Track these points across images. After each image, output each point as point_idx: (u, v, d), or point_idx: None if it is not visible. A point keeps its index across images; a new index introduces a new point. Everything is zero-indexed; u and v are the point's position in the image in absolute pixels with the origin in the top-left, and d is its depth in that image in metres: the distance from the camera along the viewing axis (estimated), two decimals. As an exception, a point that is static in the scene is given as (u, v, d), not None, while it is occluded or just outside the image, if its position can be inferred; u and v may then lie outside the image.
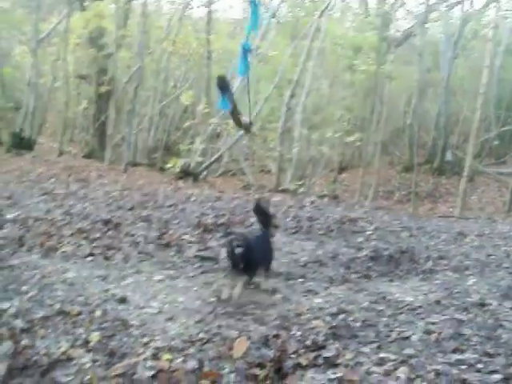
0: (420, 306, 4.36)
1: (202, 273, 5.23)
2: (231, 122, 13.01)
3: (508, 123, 20.01)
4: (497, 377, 3.12)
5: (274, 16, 17.76)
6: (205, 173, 13.74)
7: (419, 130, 15.05)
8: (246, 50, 5.03)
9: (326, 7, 12.67)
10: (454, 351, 3.49)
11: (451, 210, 13.68)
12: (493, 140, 20.13)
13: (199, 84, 18.17)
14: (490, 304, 4.44)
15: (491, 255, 6.07)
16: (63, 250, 5.62)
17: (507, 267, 5.61)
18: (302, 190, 11.60)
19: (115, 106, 15.95)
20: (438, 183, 17.30)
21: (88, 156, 17.95)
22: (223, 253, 5.98)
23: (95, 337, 3.47)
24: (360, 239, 6.87)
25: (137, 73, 15.22)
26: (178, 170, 12.38)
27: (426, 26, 20.21)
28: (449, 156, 19.29)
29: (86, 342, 3.41)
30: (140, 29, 15.29)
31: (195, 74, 18.63)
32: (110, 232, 6.36)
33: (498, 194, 16.36)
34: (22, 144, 17.43)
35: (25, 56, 19.82)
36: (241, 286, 4.55)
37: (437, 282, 5.14)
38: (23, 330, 3.48)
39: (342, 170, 16.97)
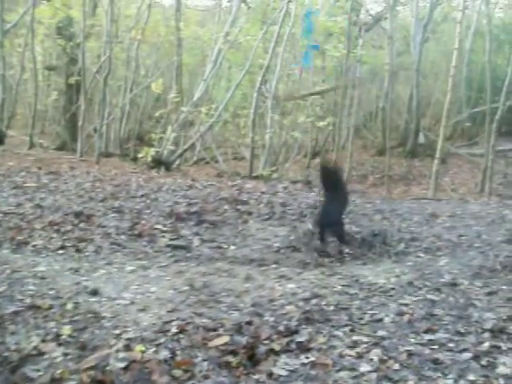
0: (392, 288, 4.40)
1: (175, 262, 5.21)
2: (203, 109, 13.02)
3: (479, 104, 20.15)
4: (468, 355, 3.17)
5: (244, 1, 17.66)
6: (177, 162, 13.65)
7: (391, 113, 15.08)
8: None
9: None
10: (426, 331, 3.54)
11: (424, 191, 13.77)
12: (464, 121, 20.31)
13: (170, 72, 18.01)
14: (462, 284, 4.50)
15: (463, 235, 6.13)
16: (34, 243, 5.57)
17: (478, 247, 5.68)
18: (275, 176, 11.59)
19: (86, 97, 15.75)
20: (411, 166, 17.39)
21: (59, 148, 17.73)
22: (196, 241, 5.99)
23: (66, 330, 3.44)
24: (333, 223, 6.88)
25: (106, 62, 15.03)
26: (150, 159, 12.27)
27: (396, 9, 20.28)
28: (421, 139, 19.42)
29: (58, 335, 3.37)
30: (108, 17, 15.08)
31: (166, 63, 18.45)
32: (81, 224, 6.30)
33: (471, 175, 16.49)
34: (-9, 138, 17.16)
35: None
36: None
37: (409, 263, 5.19)
38: (-7, 326, 3.44)
39: (315, 155, 16.94)
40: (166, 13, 19.28)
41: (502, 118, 13.17)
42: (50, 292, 4.08)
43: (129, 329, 3.52)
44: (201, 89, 14.06)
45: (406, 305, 4.04)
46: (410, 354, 3.19)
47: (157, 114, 14.06)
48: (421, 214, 7.37)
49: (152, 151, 12.25)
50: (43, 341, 3.30)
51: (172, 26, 16.85)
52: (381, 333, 3.51)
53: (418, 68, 18.59)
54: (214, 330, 3.52)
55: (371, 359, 3.15)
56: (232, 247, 5.88)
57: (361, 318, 3.78)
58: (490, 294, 4.27)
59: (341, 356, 3.20)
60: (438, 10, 20.75)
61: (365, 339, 3.41)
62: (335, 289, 4.38)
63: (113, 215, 6.77)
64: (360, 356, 3.20)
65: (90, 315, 3.70)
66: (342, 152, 14.86)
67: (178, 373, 2.98)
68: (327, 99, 18.05)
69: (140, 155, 12.55)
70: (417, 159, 18.35)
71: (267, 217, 7.15)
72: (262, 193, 8.58)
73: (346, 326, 3.65)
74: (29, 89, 19.85)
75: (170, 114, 13.68)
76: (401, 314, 3.85)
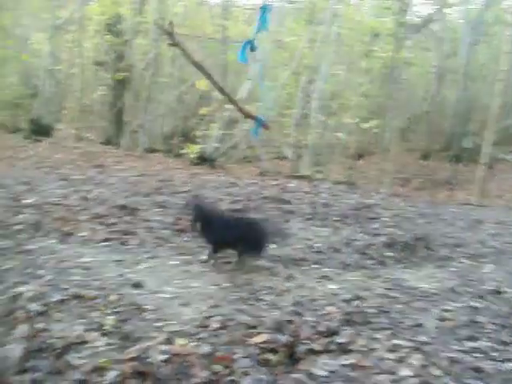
0: (435, 293, 4.35)
1: (217, 258, 5.23)
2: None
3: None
4: (511, 365, 3.12)
5: (291, 1, 17.66)
6: (221, 159, 13.73)
7: (437, 116, 14.88)
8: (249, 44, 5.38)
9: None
10: (469, 339, 3.49)
11: (469, 197, 13.55)
12: (512, 127, 19.91)
13: (216, 70, 18.12)
14: (506, 292, 4.42)
15: (508, 243, 6.02)
16: (80, 234, 5.65)
17: (524, 255, 5.58)
18: (318, 176, 11.56)
19: (132, 93, 15.97)
20: (455, 170, 17.14)
21: (105, 142, 18.01)
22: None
23: (110, 321, 3.49)
24: (375, 226, 6.83)
25: (153, 59, 15.21)
26: (194, 156, 12.38)
27: (446, 11, 20.00)
28: (467, 143, 19.11)
29: (101, 325, 3.43)
30: (156, 15, 15.26)
31: (212, 60, 18.56)
32: (126, 217, 6.37)
33: (517, 181, 16.19)
34: (40, 130, 17.53)
35: (42, 43, 19.88)
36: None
37: (452, 269, 5.12)
38: (39, 314, 3.51)
39: (358, 156, 16.85)
40: (213, 11, 19.39)
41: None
42: (95, 283, 4.14)
43: (170, 322, 3.56)
44: (246, 87, 14.08)
45: (448, 311, 3.99)
46: (452, 361, 3.15)
47: (202, 112, 14.15)
48: (465, 219, 7.27)
49: (196, 148, 12.35)
50: (87, 330, 3.35)
51: (219, 24, 16.94)
52: (422, 338, 3.47)
53: (465, 71, 18.28)
54: (254, 327, 3.53)
55: (411, 364, 3.12)
56: (274, 246, 5.88)
57: (402, 322, 3.74)
58: (534, 304, 4.20)
59: (381, 359, 3.18)
60: (488, 12, 20.37)
61: (405, 343, 3.37)
62: (376, 291, 4.36)
63: (157, 210, 6.84)
64: (400, 360, 3.17)
65: (132, 307, 3.75)
66: (385, 154, 14.71)
67: (217, 368, 3.00)
68: (372, 101, 17.92)
69: (184, 152, 12.66)
70: (462, 164, 18.06)
71: (309, 217, 7.13)
72: (305, 193, 8.57)
73: (387, 329, 3.62)
74: (76, 84, 20.17)
75: (215, 111, 13.75)
76: (443, 319, 3.81)
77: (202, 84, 12.57)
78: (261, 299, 4.09)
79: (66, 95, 21.60)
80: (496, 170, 16.88)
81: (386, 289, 4.45)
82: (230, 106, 13.39)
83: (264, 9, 5.22)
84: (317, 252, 5.75)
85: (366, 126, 13.77)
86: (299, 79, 14.88)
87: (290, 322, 3.64)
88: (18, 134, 17.67)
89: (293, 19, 17.22)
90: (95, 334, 3.30)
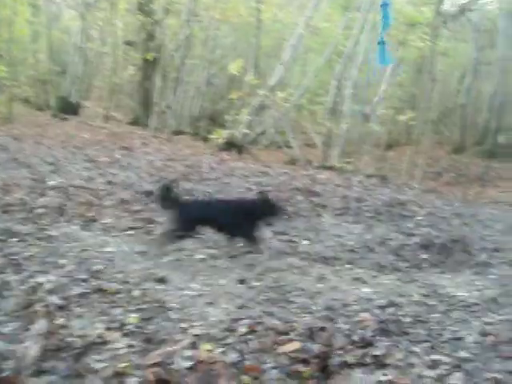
0: (475, 303, 4.10)
1: (245, 253, 5.02)
2: (280, 94, 12.80)
3: None
4: (559, 390, 2.88)
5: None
6: (249, 145, 13.53)
7: (472, 110, 14.48)
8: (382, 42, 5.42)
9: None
10: (513, 358, 3.25)
11: (502, 194, 13.21)
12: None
13: (248, 54, 17.87)
14: (551, 305, 4.16)
15: (552, 250, 5.73)
16: (103, 221, 5.50)
17: None
18: (348, 167, 11.30)
19: (161, 74, 15.78)
20: (488, 166, 16.72)
21: (133, 123, 17.92)
22: (267, 233, 5.80)
23: (133, 319, 3.31)
24: (410, 224, 6.58)
25: (184, 40, 15.01)
26: (222, 141, 12.19)
27: (484, 1, 19.47)
28: (502, 138, 18.66)
29: (123, 324, 3.25)
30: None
31: (244, 44, 18.32)
32: (151, 204, 6.20)
33: (555, 181, 15.75)
34: (68, 108, 17.48)
35: (74, 20, 19.79)
36: None
37: (492, 276, 4.85)
38: (59, 308, 3.33)
39: (388, 147, 16.54)
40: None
41: None
42: (118, 275, 3.97)
43: (196, 323, 3.36)
44: (278, 73, 13.82)
45: (490, 324, 3.75)
46: (496, 382, 2.91)
47: (233, 96, 13.91)
48: (503, 221, 6.97)
49: (225, 133, 12.15)
50: (108, 328, 3.17)
51: (252, 7, 16.65)
52: (463, 354, 3.23)
53: (502, 64, 17.79)
54: (285, 333, 3.32)
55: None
56: (304, 242, 5.66)
57: (440, 335, 3.51)
58: None
59: (420, 376, 2.95)
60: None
61: (445, 359, 3.14)
62: (412, 298, 4.12)
63: (184, 198, 6.65)
64: (440, 379, 2.94)
65: (156, 304, 3.57)
66: (416, 146, 14.37)
67: (245, 379, 2.80)
68: (406, 91, 17.57)
69: (213, 136, 12.47)
70: (495, 160, 17.63)
71: (341, 212, 6.90)
72: (337, 185, 8.33)
73: (425, 341, 3.39)
74: (106, 62, 20.08)
75: (246, 96, 13.52)
76: (484, 334, 3.56)
77: (237, 67, 12.34)
78: (291, 301, 3.88)
79: (96, 74, 21.54)
80: (531, 168, 16.49)
81: (422, 295, 4.21)
82: (260, 91, 13.18)
83: (385, 5, 5.16)
84: (349, 251, 5.53)
85: (402, 118, 13.43)
86: (333, 66, 14.58)
87: (322, 328, 3.43)
88: (46, 112, 17.63)
89: (328, 4, 16.85)
90: (117, 334, 3.12)
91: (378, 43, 5.09)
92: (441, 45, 16.45)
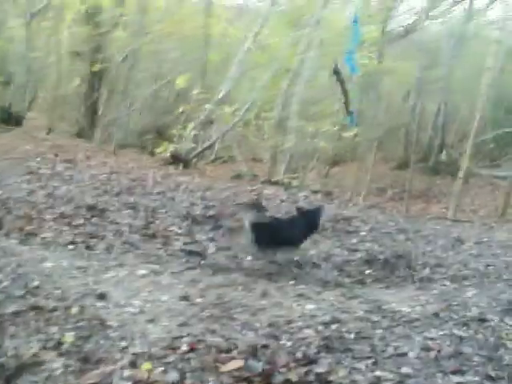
0: (417, 319, 4.12)
1: (188, 269, 4.94)
2: (227, 108, 12.79)
3: (505, 126, 19.80)
4: (500, 405, 2.91)
5: (274, 3, 17.42)
6: (195, 160, 13.44)
7: (417, 127, 14.77)
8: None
9: (329, -3, 12.32)
10: (455, 372, 3.26)
11: (444, 210, 13.49)
12: (489, 142, 19.92)
13: (195, 68, 17.82)
14: (491, 320, 4.21)
15: (490, 265, 5.83)
16: (43, 236, 5.35)
17: (507, 279, 5.37)
18: (294, 183, 11.33)
19: (108, 86, 15.59)
20: (431, 183, 17.09)
21: (78, 135, 17.58)
22: (211, 248, 5.74)
23: (69, 338, 3.19)
24: (354, 240, 6.60)
25: (132, 53, 14.86)
26: (168, 155, 12.06)
27: (428, 22, 19.95)
28: (444, 156, 19.10)
29: (59, 343, 3.13)
30: (138, 8, 14.89)
31: (192, 58, 18.24)
32: (93, 219, 6.06)
33: (491, 197, 16.21)
34: (10, 119, 17.05)
35: (19, 29, 19.36)
36: None
37: (434, 291, 4.89)
38: (-9, 327, 3.20)
39: (335, 163, 16.71)
40: (196, 7, 19.05)
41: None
42: (55, 292, 3.84)
43: (136, 341, 3.27)
44: (226, 87, 13.82)
45: (432, 339, 3.77)
46: (438, 398, 2.93)
47: (180, 110, 13.80)
48: (445, 237, 7.07)
49: (171, 147, 12.04)
50: (44, 348, 3.05)
51: (201, 21, 16.63)
52: (405, 370, 3.23)
53: (447, 84, 18.23)
54: (227, 351, 3.26)
55: (396, 400, 2.89)
56: (249, 257, 5.62)
57: (384, 351, 3.51)
58: (521, 334, 4.00)
59: (363, 394, 2.94)
60: (469, 25, 20.41)
61: (389, 375, 3.14)
62: (356, 314, 4.11)
63: (127, 211, 6.54)
64: (384, 395, 2.93)
65: (95, 322, 3.46)
66: (361, 163, 14.58)
67: (186, 399, 2.73)
68: (352, 108, 17.78)
69: (159, 150, 12.34)
70: (438, 176, 18.03)
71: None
72: (282, 201, 8.33)
73: (368, 358, 3.38)
74: (51, 73, 19.69)
75: (193, 110, 13.43)
76: (427, 349, 3.58)
77: (183, 81, 12.27)
78: (234, 318, 3.82)
79: (41, 84, 21.09)
80: (471, 185, 16.88)
81: (366, 311, 4.20)
82: (207, 106, 13.14)
83: (356, 21, 5.33)
84: (294, 266, 5.51)
85: (347, 134, 13.58)
86: (280, 82, 14.65)
87: (265, 346, 3.38)
88: (-13, 122, 17.16)
89: (276, 21, 16.97)
90: (52, 354, 3.01)
91: (349, 54, 5.23)
92: (386, 63, 16.77)
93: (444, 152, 19.20)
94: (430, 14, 20.15)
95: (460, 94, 22.74)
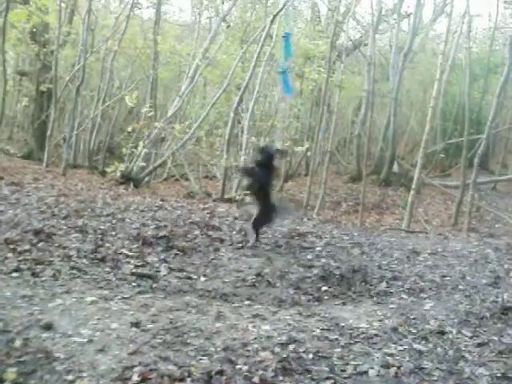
0: (376, 335, 4.05)
1: (139, 293, 4.75)
2: (177, 126, 12.65)
3: (453, 136, 20.21)
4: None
5: (224, 20, 17.42)
6: (147, 179, 13.23)
7: (368, 140, 14.87)
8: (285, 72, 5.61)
9: (278, 13, 12.31)
10: (416, 389, 3.20)
11: (398, 221, 13.59)
12: (439, 152, 20.27)
13: (145, 86, 17.63)
14: (450, 332, 4.18)
15: (446, 276, 5.80)
16: (-15, 263, 5.08)
17: (463, 289, 5.36)
18: (248, 200, 11.21)
19: (56, 106, 15.25)
20: (384, 194, 17.23)
21: (26, 156, 17.14)
22: (163, 270, 5.58)
23: (11, 375, 2.99)
24: (310, 256, 6.50)
25: (80, 72, 14.58)
26: (119, 174, 11.82)
27: (376, 36, 20.22)
28: (395, 167, 19.31)
29: (0, 380, 2.93)
30: (85, 26, 14.63)
31: (141, 76, 18.04)
32: (40, 244, 5.79)
33: (444, 206, 16.42)
34: (-46, 142, 16.55)
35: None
36: None
37: (392, 305, 4.84)
38: None
39: (287, 178, 16.69)
40: (144, 25, 18.89)
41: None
42: (-3, 324, 3.63)
43: (84, 374, 3.11)
44: (176, 105, 13.68)
45: (392, 355, 3.71)
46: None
47: (129, 129, 13.59)
48: (401, 249, 7.04)
49: (121, 166, 11.80)
50: (-18, 387, 2.86)
51: (149, 38, 16.48)
52: (366, 389, 3.15)
53: (396, 96, 18.48)
54: (181, 379, 3.13)
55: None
56: (202, 278, 5.47)
57: (343, 370, 3.44)
58: (480, 345, 3.97)
59: (322, 418, 2.83)
60: (416, 39, 20.82)
61: (349, 397, 3.05)
62: (314, 333, 4.02)
63: (75, 235, 6.29)
64: (344, 418, 2.83)
65: (40, 355, 3.27)
66: (314, 177, 14.57)
67: None
68: (303, 123, 17.86)
69: (109, 170, 12.08)
70: (390, 188, 18.22)
71: (240, 245, 6.76)
72: (235, 218, 8.20)
73: (328, 378, 3.31)
74: (-2, 93, 19.22)
75: (143, 128, 13.23)
76: (387, 366, 3.52)
77: (132, 99, 12.08)
78: (188, 343, 3.67)
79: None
80: (423, 195, 17.10)
81: (323, 329, 4.12)
82: (158, 124, 12.96)
83: (287, 37, 5.25)
84: (249, 286, 5.39)
85: (299, 149, 13.58)
86: (230, 98, 14.60)
87: (220, 372, 3.25)
88: None
89: (226, 37, 16.97)
90: (-8, 393, 2.81)
91: (281, 73, 5.15)
92: (336, 77, 16.90)
93: (396, 163, 19.42)
94: (377, 28, 20.43)
95: (409, 106, 23.17)
